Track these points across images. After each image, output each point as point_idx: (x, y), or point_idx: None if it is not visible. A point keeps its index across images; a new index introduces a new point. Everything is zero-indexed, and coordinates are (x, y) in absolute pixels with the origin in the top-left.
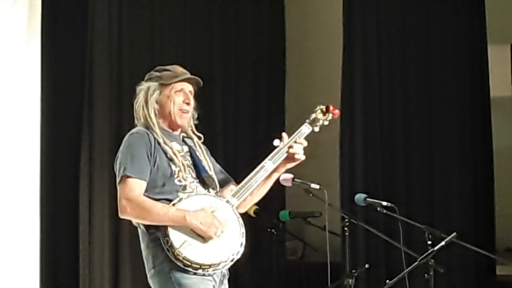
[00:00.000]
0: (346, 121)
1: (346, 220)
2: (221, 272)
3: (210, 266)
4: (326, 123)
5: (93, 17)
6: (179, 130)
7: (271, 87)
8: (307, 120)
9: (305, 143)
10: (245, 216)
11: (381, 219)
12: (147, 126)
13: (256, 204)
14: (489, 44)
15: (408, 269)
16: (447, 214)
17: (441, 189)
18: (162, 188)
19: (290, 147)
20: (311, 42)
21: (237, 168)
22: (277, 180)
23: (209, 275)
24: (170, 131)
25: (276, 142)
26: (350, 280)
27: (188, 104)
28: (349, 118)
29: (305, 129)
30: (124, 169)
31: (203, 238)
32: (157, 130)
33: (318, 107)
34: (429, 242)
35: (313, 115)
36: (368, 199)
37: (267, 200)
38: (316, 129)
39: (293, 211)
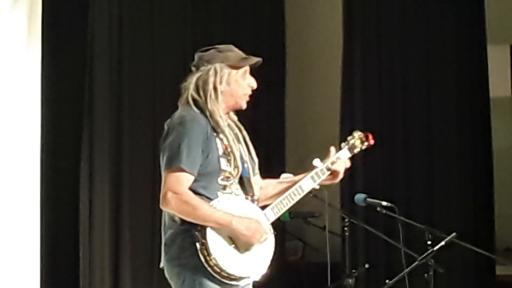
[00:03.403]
0: (346, 121)
1: (346, 220)
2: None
3: (239, 278)
4: (359, 150)
5: (93, 17)
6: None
7: (271, 87)
8: (344, 145)
9: (349, 164)
10: None
11: (381, 219)
12: (204, 110)
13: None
14: (489, 44)
15: (408, 269)
16: (447, 214)
17: (441, 189)
18: (204, 183)
19: (330, 169)
20: (311, 42)
21: None
22: None
23: (230, 284)
24: (226, 116)
25: (315, 162)
26: (350, 280)
27: (252, 88)
28: (349, 118)
29: (346, 153)
30: (179, 160)
31: (240, 246)
32: (218, 118)
33: (356, 133)
34: (429, 242)
35: (352, 141)
36: (368, 199)
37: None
38: (351, 155)
39: (293, 211)
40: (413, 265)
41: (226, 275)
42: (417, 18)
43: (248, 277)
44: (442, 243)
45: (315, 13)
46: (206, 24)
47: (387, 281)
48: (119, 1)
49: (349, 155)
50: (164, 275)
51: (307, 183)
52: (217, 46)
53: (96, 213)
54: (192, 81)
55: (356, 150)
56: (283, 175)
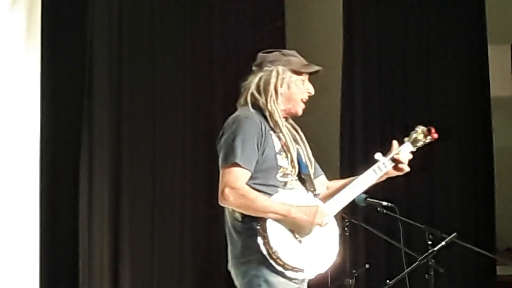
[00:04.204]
0: (346, 121)
1: (346, 220)
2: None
3: (301, 270)
4: (422, 144)
5: (93, 17)
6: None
7: None
8: (407, 139)
9: (411, 157)
10: None
11: (381, 219)
12: (263, 110)
13: None
14: (489, 44)
15: (408, 269)
16: (447, 214)
17: (442, 189)
18: (263, 180)
19: (395, 159)
20: (311, 42)
21: None
22: None
23: (295, 278)
24: (284, 119)
25: (377, 155)
26: (350, 280)
27: (310, 94)
28: (349, 118)
29: (408, 147)
30: (234, 156)
31: (301, 239)
32: (277, 118)
33: (419, 128)
34: (429, 242)
35: (414, 135)
36: (368, 199)
37: None
38: (414, 149)
39: None
40: (414, 265)
41: (289, 267)
42: (417, 18)
43: (310, 269)
44: (443, 243)
45: (315, 13)
46: (206, 24)
47: (387, 281)
48: (119, 1)
49: (412, 149)
50: (163, 275)
51: (370, 176)
52: (281, 49)
53: (96, 213)
54: (254, 81)
55: (420, 144)
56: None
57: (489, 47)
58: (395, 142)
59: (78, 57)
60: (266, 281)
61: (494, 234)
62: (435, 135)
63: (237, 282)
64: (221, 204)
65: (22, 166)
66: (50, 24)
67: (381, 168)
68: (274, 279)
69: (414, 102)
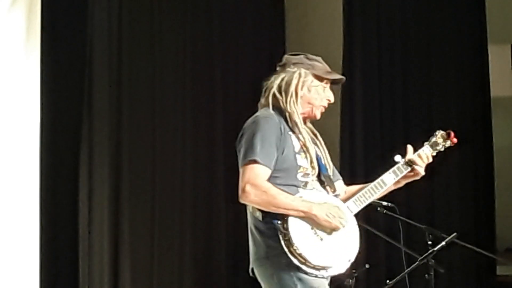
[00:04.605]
0: (346, 121)
1: None
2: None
3: (324, 267)
4: (443, 148)
5: (93, 17)
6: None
7: None
8: (427, 143)
9: (431, 160)
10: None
11: (381, 219)
12: (283, 110)
13: None
14: (489, 44)
15: (409, 269)
16: (447, 214)
17: (442, 189)
18: (284, 180)
19: (413, 162)
20: (311, 42)
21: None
22: None
23: (322, 276)
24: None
25: (397, 157)
26: (350, 280)
27: (329, 101)
28: (349, 118)
29: (427, 150)
30: (253, 153)
31: (323, 236)
32: (296, 119)
33: (439, 132)
34: (430, 242)
35: (434, 139)
36: None
37: None
38: (434, 153)
39: None
40: (414, 265)
41: (311, 265)
42: (417, 18)
43: (333, 267)
44: (443, 243)
45: (315, 13)
46: (206, 24)
47: (387, 281)
48: (119, 1)
49: (432, 152)
50: (163, 275)
51: (389, 177)
52: (306, 53)
53: (96, 213)
54: (276, 81)
55: (439, 148)
56: None
57: (489, 47)
58: (409, 147)
59: (78, 57)
60: (300, 279)
61: (494, 234)
62: (455, 140)
63: (263, 282)
64: (241, 201)
65: (22, 166)
66: (50, 24)
67: (401, 170)
68: (306, 276)
69: (414, 102)
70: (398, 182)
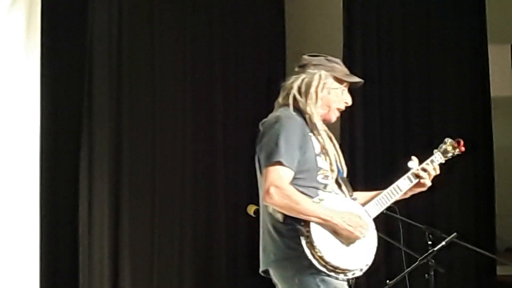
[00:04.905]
0: (346, 122)
1: None
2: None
3: (344, 271)
4: (451, 156)
5: (93, 17)
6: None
7: (271, 87)
8: (436, 151)
9: (438, 172)
10: (245, 216)
11: (381, 219)
12: (303, 112)
13: (256, 204)
14: (489, 44)
15: (409, 269)
16: (447, 214)
17: (442, 189)
18: (304, 181)
19: (424, 169)
20: (311, 42)
21: (237, 167)
22: None
23: (342, 279)
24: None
25: (411, 163)
26: (350, 280)
27: (347, 104)
28: (349, 118)
29: (438, 158)
30: (278, 154)
31: (343, 241)
32: (316, 120)
33: (448, 140)
34: (430, 242)
35: (444, 146)
36: None
37: None
38: (443, 160)
39: None
40: (414, 265)
41: (331, 268)
42: (417, 18)
43: (353, 270)
44: (443, 243)
45: (315, 13)
46: (206, 24)
47: (387, 281)
48: (119, 1)
49: (443, 160)
50: (163, 275)
51: (404, 183)
52: (326, 55)
53: (96, 213)
54: (296, 82)
55: (449, 155)
56: None
57: (489, 47)
58: (414, 158)
59: (78, 57)
60: (323, 281)
61: (494, 234)
62: (463, 148)
63: (282, 283)
64: (265, 203)
65: (22, 166)
66: (49, 25)
67: (414, 177)
68: (327, 278)
69: (414, 102)
70: (405, 193)
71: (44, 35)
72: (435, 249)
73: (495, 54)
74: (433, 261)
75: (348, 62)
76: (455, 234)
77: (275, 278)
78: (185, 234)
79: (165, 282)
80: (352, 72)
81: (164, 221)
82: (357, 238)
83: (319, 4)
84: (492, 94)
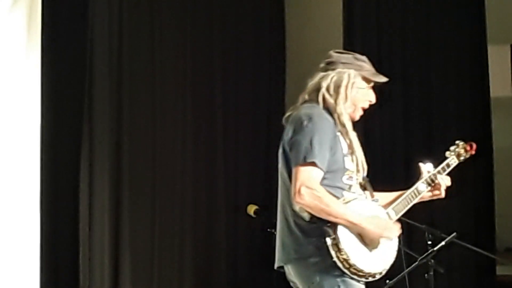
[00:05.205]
0: None
1: None
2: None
3: (366, 274)
4: (463, 159)
5: (93, 18)
6: None
7: (271, 87)
8: (448, 153)
9: (449, 184)
10: (245, 216)
11: None
12: (332, 110)
13: (256, 204)
14: (489, 44)
15: (408, 269)
16: (447, 214)
17: None
18: (331, 181)
19: (441, 170)
20: (311, 42)
21: (237, 167)
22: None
23: (362, 283)
24: None
25: (428, 167)
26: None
27: (371, 103)
28: None
29: (453, 161)
30: (312, 155)
31: (367, 244)
32: (345, 120)
33: (460, 143)
34: (429, 242)
35: (457, 149)
36: None
37: (268, 200)
38: (455, 164)
39: None
40: (414, 265)
41: (354, 271)
42: (417, 18)
43: (374, 274)
44: (443, 243)
45: (315, 13)
46: (206, 24)
47: (387, 281)
48: (119, 1)
49: (457, 162)
50: (163, 275)
51: (422, 186)
52: (354, 53)
53: (96, 213)
54: (325, 80)
55: (461, 159)
56: None
57: (489, 47)
58: (421, 164)
59: (78, 57)
60: (344, 281)
61: (494, 234)
62: (474, 152)
63: (300, 281)
64: (295, 202)
65: (23, 166)
66: (50, 25)
67: (433, 179)
68: (349, 280)
69: (414, 102)
70: (422, 197)
71: (44, 35)
72: (435, 249)
73: (495, 54)
74: (432, 261)
75: None
76: (454, 234)
77: (292, 275)
78: (185, 234)
79: (165, 281)
80: (377, 70)
81: (165, 220)
82: (387, 239)
83: (319, 4)
84: (491, 94)
